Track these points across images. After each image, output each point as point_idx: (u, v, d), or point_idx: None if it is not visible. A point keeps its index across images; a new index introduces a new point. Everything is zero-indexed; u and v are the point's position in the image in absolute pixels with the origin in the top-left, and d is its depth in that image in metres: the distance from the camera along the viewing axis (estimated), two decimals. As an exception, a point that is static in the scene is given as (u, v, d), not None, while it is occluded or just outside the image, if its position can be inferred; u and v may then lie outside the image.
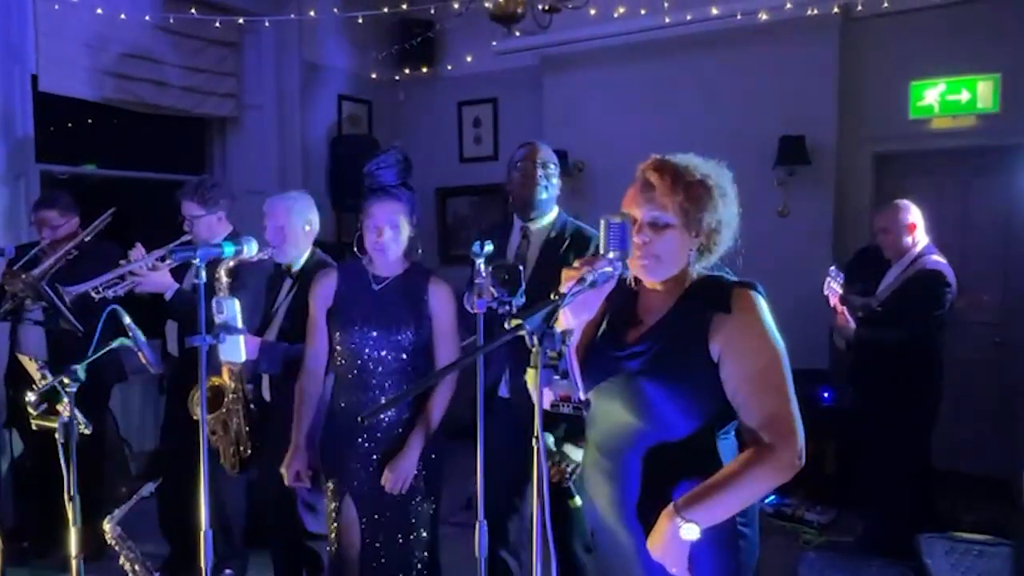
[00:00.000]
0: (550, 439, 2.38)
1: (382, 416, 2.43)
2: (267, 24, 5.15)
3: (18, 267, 3.37)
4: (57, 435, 2.11)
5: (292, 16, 5.17)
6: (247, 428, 2.81)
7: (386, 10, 4.98)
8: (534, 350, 1.26)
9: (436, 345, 2.49)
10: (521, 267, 2.02)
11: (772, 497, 4.29)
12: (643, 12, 5.00)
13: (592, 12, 4.80)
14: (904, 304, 3.56)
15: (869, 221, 4.21)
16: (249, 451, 2.84)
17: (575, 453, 2.38)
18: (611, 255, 1.41)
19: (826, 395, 4.62)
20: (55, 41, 4.38)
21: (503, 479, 2.45)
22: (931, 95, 4.79)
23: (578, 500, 2.09)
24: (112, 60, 4.67)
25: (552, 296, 1.34)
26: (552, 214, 2.84)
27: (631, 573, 1.60)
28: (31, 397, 2.14)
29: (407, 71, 6.30)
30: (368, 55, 6.14)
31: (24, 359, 2.46)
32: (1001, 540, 2.86)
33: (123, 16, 4.52)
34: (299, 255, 2.89)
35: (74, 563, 2.14)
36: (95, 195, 5.13)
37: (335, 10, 5.19)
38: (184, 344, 3.26)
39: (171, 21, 4.75)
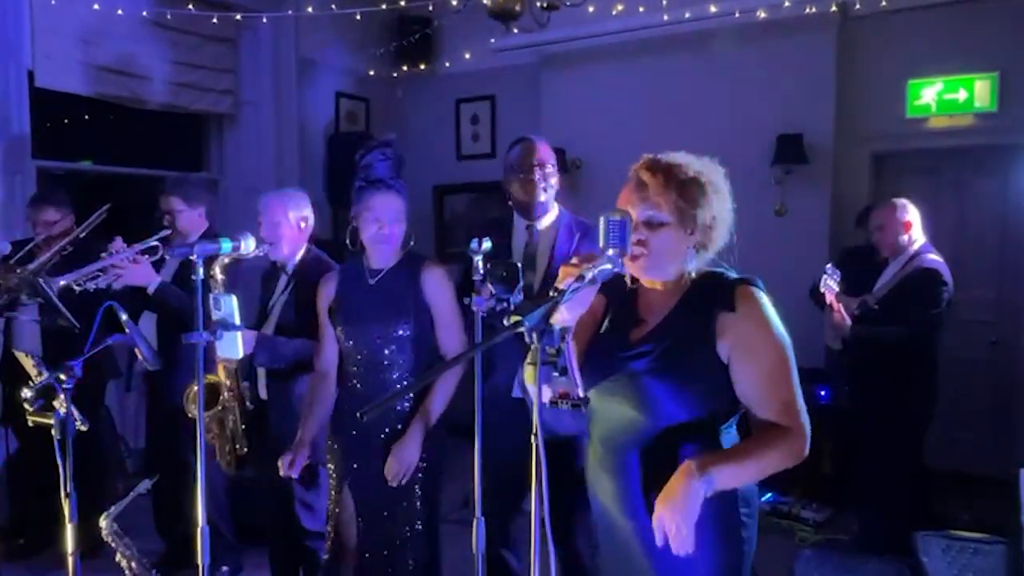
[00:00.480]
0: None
1: (383, 412, 2.42)
2: (264, 20, 5.14)
3: (12, 262, 3.36)
4: (53, 431, 2.10)
5: (289, 12, 5.16)
6: (243, 426, 2.81)
7: (384, 6, 4.97)
8: (533, 347, 1.26)
9: (439, 332, 2.47)
10: (520, 264, 2.01)
11: (769, 495, 4.30)
12: (641, 10, 5.00)
13: (591, 10, 4.80)
14: (901, 302, 3.57)
15: (864, 219, 4.20)
16: (245, 449, 2.84)
17: None
18: (610, 252, 1.42)
19: (823, 393, 4.62)
20: (51, 37, 4.37)
21: (512, 479, 2.44)
22: (928, 94, 4.79)
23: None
24: (108, 56, 4.65)
25: (551, 293, 1.35)
26: (555, 211, 2.81)
27: (633, 565, 1.62)
28: (27, 393, 2.13)
29: (405, 68, 6.28)
30: (366, 52, 6.13)
31: (20, 355, 2.44)
32: (997, 538, 2.86)
33: (120, 12, 4.50)
34: (294, 252, 2.88)
35: (70, 560, 2.13)
36: (91, 192, 5.12)
37: (332, 6, 5.18)
38: (161, 338, 3.26)
39: (168, 17, 4.74)
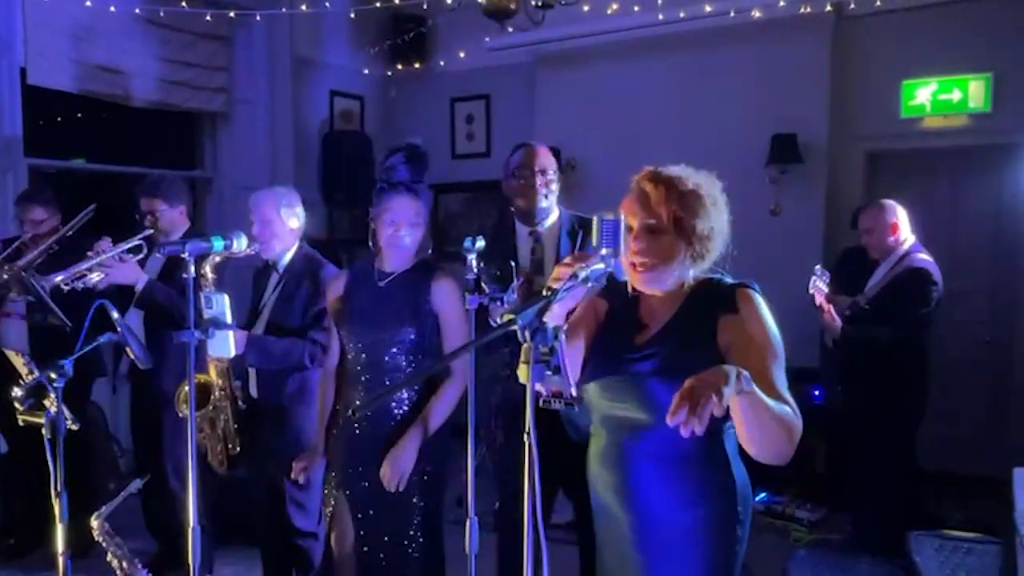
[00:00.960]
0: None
1: (383, 414, 2.39)
2: (258, 18, 5.11)
3: (0, 259, 3.35)
4: (44, 431, 2.08)
5: (283, 10, 5.14)
6: (235, 425, 2.79)
7: (378, 4, 4.95)
8: (526, 346, 1.26)
9: (445, 340, 2.44)
10: (513, 263, 2.01)
11: (763, 495, 4.30)
12: (637, 9, 4.99)
13: (585, 9, 4.79)
14: (891, 302, 3.58)
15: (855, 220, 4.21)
16: (237, 449, 2.82)
17: None
18: (604, 252, 1.44)
19: (816, 393, 4.63)
20: (44, 34, 4.35)
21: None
22: (923, 94, 4.80)
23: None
24: (101, 53, 4.63)
25: (544, 292, 1.35)
26: (555, 214, 2.80)
27: (628, 556, 1.66)
28: (17, 392, 2.12)
29: (400, 67, 6.27)
30: (360, 50, 6.12)
31: (11, 353, 2.43)
32: (990, 538, 2.87)
33: (112, 9, 4.48)
34: (285, 250, 2.86)
35: (60, 560, 2.12)
36: (84, 190, 5.10)
37: (327, 4, 5.16)
38: (148, 336, 3.24)
39: (161, 15, 4.71)
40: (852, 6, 4.74)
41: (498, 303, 2.00)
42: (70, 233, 3.34)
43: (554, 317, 1.44)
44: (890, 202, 3.71)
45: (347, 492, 2.45)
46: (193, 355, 1.89)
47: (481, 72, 6.09)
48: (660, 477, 1.59)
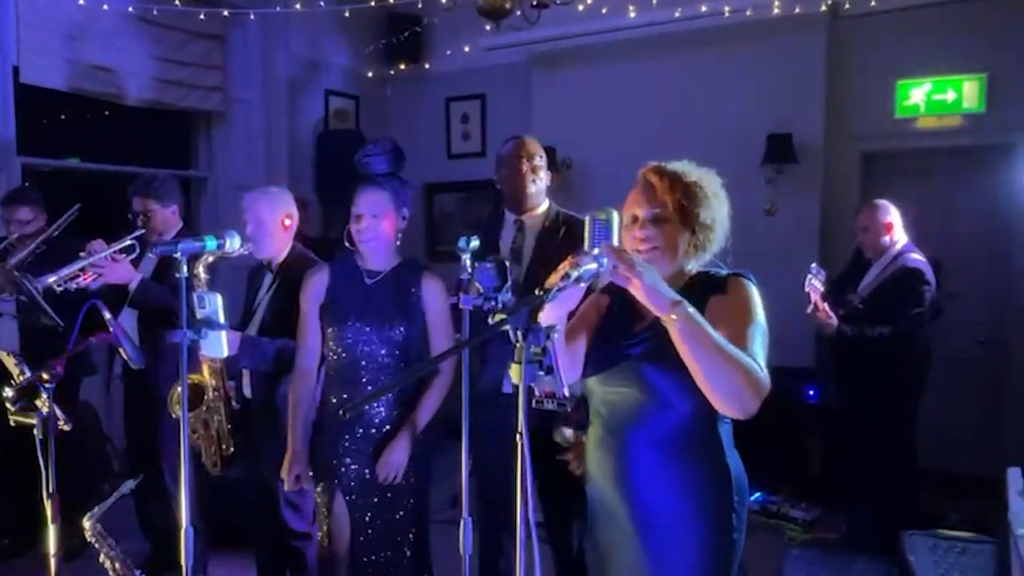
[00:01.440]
0: (568, 432, 2.34)
1: (373, 413, 2.41)
2: (252, 17, 5.10)
3: None
4: (35, 431, 2.07)
5: (278, 9, 5.12)
6: (229, 426, 2.78)
7: (373, 3, 4.94)
8: (518, 345, 1.26)
9: (432, 339, 2.47)
10: (507, 262, 2.00)
11: (758, 494, 4.30)
12: (631, 9, 4.99)
13: (580, 8, 4.80)
14: (885, 302, 3.59)
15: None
16: (231, 449, 2.81)
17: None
18: (596, 251, 1.44)
19: (811, 393, 4.63)
20: (37, 32, 4.33)
21: (504, 475, 2.43)
22: (917, 94, 4.80)
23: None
24: (95, 52, 4.61)
25: (537, 291, 1.35)
26: (544, 205, 2.85)
27: (626, 544, 1.68)
28: (8, 393, 2.11)
29: (395, 66, 6.26)
30: (356, 50, 6.11)
31: (2, 354, 2.42)
32: (985, 538, 2.87)
33: (105, 7, 4.46)
34: (279, 250, 2.85)
35: (52, 561, 2.11)
36: (78, 189, 5.08)
37: (321, 3, 5.15)
38: (142, 336, 3.24)
39: (155, 13, 4.70)
40: (847, 6, 4.75)
41: (493, 303, 2.00)
42: (56, 233, 3.34)
43: (549, 317, 1.44)
44: (885, 202, 3.73)
45: (340, 490, 2.45)
46: (186, 355, 1.88)
47: (476, 72, 6.08)
48: (657, 463, 1.62)
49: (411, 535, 2.43)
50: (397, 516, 2.41)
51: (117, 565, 2.38)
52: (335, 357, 2.47)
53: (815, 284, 3.61)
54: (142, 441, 3.43)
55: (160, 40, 4.94)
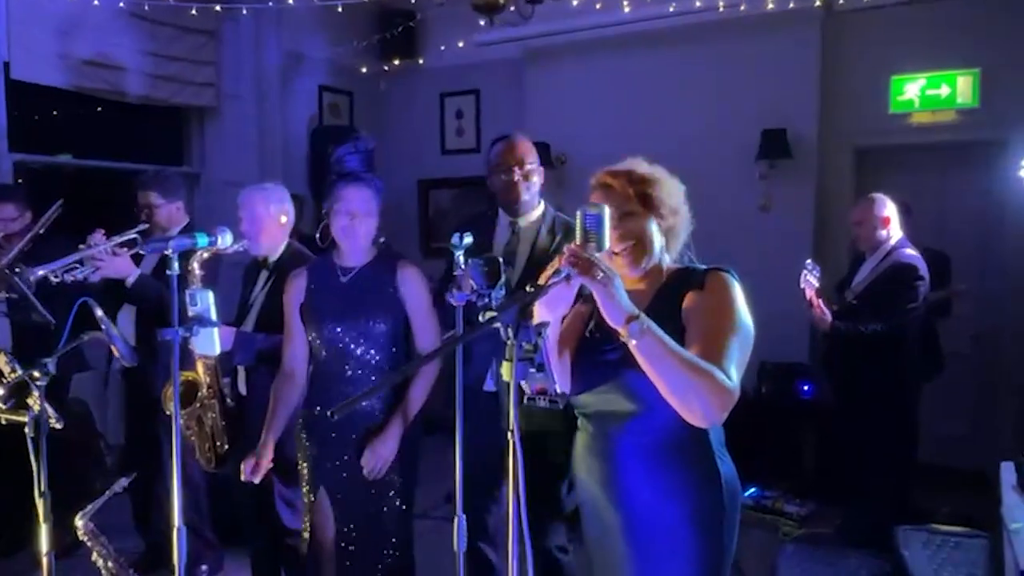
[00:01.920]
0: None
1: (358, 408, 2.40)
2: (245, 12, 5.07)
3: None
4: (27, 429, 2.06)
5: (271, 3, 5.10)
6: (223, 423, 2.78)
7: (366, -1, 4.92)
8: (509, 343, 1.25)
9: (415, 330, 2.46)
10: (501, 259, 1.99)
11: (752, 489, 4.31)
12: (625, 4, 4.98)
13: (574, 3, 4.78)
14: (878, 298, 3.59)
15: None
16: (226, 446, 2.81)
17: None
18: (589, 247, 1.43)
19: (806, 388, 4.64)
20: (28, 28, 4.30)
21: (485, 471, 2.43)
22: (911, 90, 4.81)
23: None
24: (86, 48, 4.58)
25: (528, 289, 1.34)
26: (539, 208, 2.78)
27: (616, 550, 1.67)
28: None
29: (389, 62, 6.24)
30: (349, 45, 6.08)
31: (-6, 352, 2.40)
32: (978, 532, 2.88)
33: (96, 2, 4.43)
34: (275, 247, 2.85)
35: (44, 560, 2.10)
36: (72, 185, 5.06)
37: (315, -2, 5.13)
38: (140, 332, 3.22)
39: (146, 8, 4.67)
40: (841, 1, 4.74)
41: (486, 299, 1.99)
42: (42, 231, 3.32)
43: (541, 315, 1.44)
44: (882, 196, 3.72)
45: (326, 486, 2.45)
46: (178, 353, 1.87)
47: (471, 67, 6.06)
48: (646, 467, 1.61)
49: (396, 530, 2.43)
50: (383, 510, 2.41)
51: (110, 564, 2.37)
52: (318, 356, 2.47)
53: (810, 280, 3.61)
54: (140, 438, 3.42)
55: (152, 35, 4.91)
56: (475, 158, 6.04)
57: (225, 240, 2.27)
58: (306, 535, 2.53)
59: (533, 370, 1.26)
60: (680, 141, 4.56)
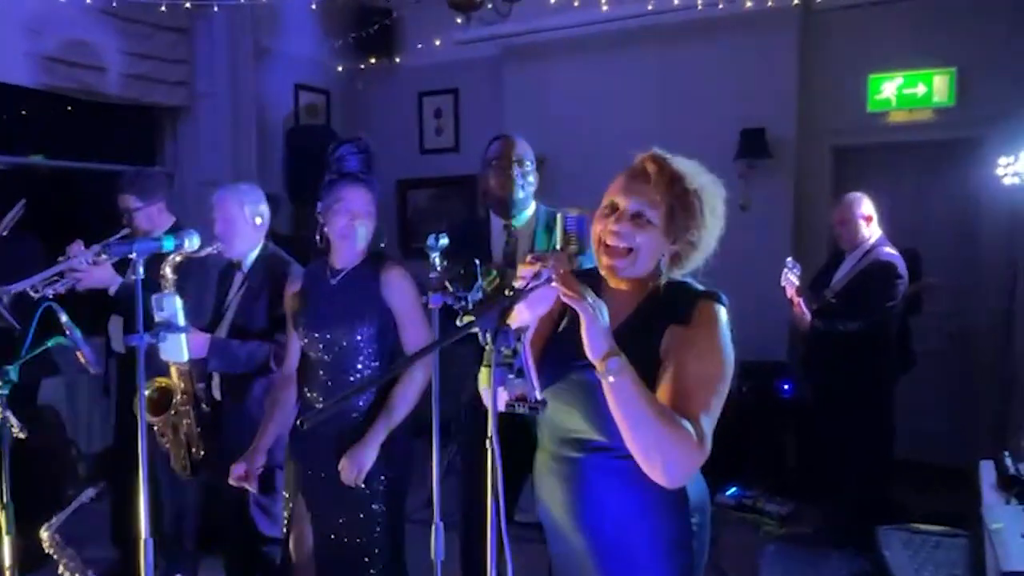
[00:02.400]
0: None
1: (341, 414, 2.34)
2: (216, 9, 4.98)
3: None
4: (-10, 439, 2.00)
5: (243, 0, 5.01)
6: (198, 429, 2.72)
7: (341, -5, 4.86)
8: (487, 348, 1.21)
9: (402, 333, 2.39)
10: (478, 261, 1.96)
11: (733, 489, 4.31)
12: (603, 3, 4.96)
13: (552, 1, 4.75)
14: (858, 296, 3.61)
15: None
16: (201, 452, 2.75)
17: None
18: (570, 250, 1.40)
19: (786, 387, 4.64)
20: (-5, 26, 4.20)
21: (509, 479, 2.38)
22: (888, 88, 4.83)
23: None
24: (55, 46, 4.48)
25: (506, 292, 1.30)
26: (531, 208, 2.76)
27: (582, 568, 1.58)
28: (-39, 399, 2.03)
29: (366, 60, 6.17)
30: (326, 43, 6.01)
31: (-46, 359, 2.33)
32: (958, 531, 2.89)
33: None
34: (249, 249, 2.78)
35: (7, 574, 2.04)
36: (46, 187, 4.96)
37: (289, -5, 5.06)
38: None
39: (114, 4, 4.57)
40: (818, 1, 4.75)
41: (463, 302, 1.95)
42: (5, 233, 3.24)
43: (521, 315, 1.39)
44: (862, 195, 3.75)
45: (305, 494, 2.40)
46: (143, 359, 1.81)
47: (449, 66, 6.01)
48: (611, 490, 1.50)
49: (380, 544, 2.35)
50: (365, 523, 2.33)
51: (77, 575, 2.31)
52: (306, 359, 2.42)
53: (790, 278, 3.62)
54: (129, 447, 3.35)
55: (123, 33, 4.81)
56: (454, 157, 6.01)
57: (192, 243, 2.21)
58: (285, 546, 2.47)
59: (512, 376, 1.22)
60: (659, 140, 4.52)
